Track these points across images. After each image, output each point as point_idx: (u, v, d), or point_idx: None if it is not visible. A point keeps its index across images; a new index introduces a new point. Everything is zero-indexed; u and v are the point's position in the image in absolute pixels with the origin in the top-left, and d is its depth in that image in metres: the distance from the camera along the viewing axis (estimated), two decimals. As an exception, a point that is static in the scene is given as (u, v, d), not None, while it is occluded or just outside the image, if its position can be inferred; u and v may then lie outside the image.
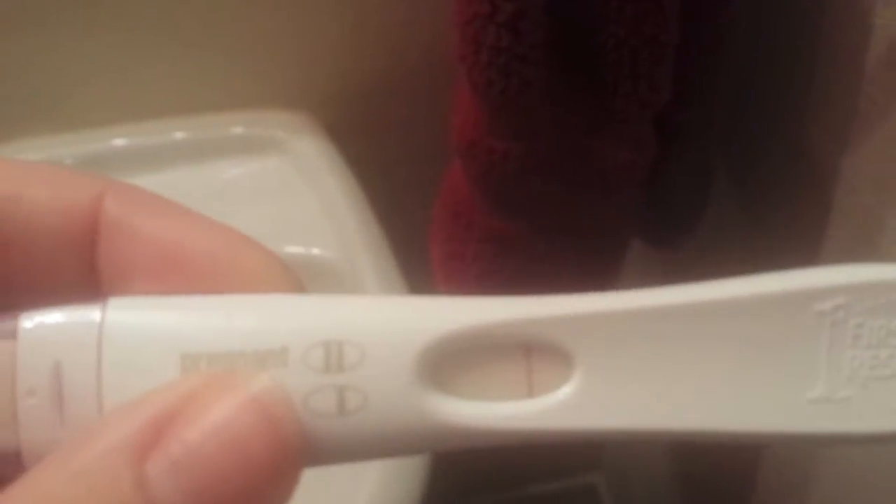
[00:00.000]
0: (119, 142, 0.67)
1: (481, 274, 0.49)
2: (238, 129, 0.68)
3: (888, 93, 0.41)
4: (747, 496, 0.67)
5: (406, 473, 0.46)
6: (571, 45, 0.41)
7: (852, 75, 0.44)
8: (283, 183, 0.67)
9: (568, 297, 0.16)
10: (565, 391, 0.16)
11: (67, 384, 0.15)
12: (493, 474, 1.07)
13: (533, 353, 0.16)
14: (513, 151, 0.43)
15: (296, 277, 0.16)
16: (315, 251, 0.62)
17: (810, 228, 0.50)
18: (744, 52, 0.52)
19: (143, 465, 0.13)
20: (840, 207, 0.47)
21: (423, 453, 0.15)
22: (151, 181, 0.65)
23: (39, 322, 0.15)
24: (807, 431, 0.15)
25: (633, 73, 0.42)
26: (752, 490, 0.67)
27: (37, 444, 0.15)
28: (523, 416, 0.16)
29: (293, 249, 0.62)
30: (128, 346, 0.15)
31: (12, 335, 0.15)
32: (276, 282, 0.16)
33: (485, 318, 0.16)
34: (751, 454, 0.65)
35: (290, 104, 0.68)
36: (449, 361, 0.16)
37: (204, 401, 0.14)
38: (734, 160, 0.58)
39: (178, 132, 0.68)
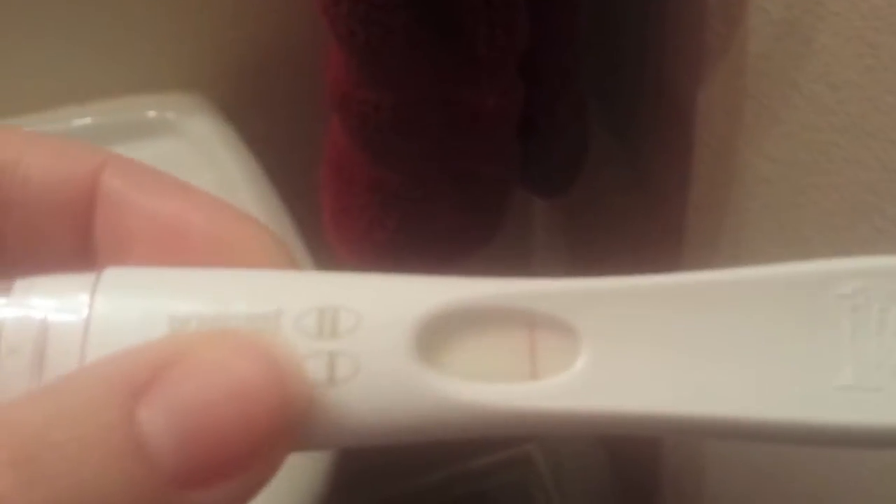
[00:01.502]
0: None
1: (369, 226, 0.50)
2: (130, 114, 0.68)
3: (729, 23, 0.44)
4: (661, 454, 0.70)
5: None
6: (430, -7, 0.43)
7: (697, 9, 0.46)
8: (180, 164, 0.67)
9: (574, 278, 0.15)
10: (570, 372, 0.15)
11: (52, 346, 0.14)
12: (430, 452, 1.08)
13: (537, 332, 0.15)
14: (384, 101, 0.45)
15: (293, 256, 0.16)
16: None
17: (677, 163, 0.53)
18: None
19: (135, 405, 0.12)
20: (700, 139, 0.50)
21: (416, 439, 0.15)
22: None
23: (32, 285, 0.15)
24: (837, 422, 0.14)
25: (489, 19, 0.44)
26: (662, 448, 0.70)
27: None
28: (525, 396, 0.14)
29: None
30: (116, 311, 0.14)
31: (4, 299, 0.14)
32: (273, 258, 0.15)
33: (487, 290, 0.15)
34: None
35: (180, 85, 0.69)
36: (449, 338, 0.15)
37: (204, 350, 0.13)
38: (607, 104, 0.61)
39: (71, 121, 0.68)
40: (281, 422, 0.13)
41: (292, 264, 0.16)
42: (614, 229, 0.68)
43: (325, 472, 0.47)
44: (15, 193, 0.16)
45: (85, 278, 0.15)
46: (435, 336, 0.15)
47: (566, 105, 0.54)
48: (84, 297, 0.14)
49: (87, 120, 0.68)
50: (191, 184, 0.16)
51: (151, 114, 0.68)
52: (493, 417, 0.14)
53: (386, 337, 0.14)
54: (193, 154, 0.67)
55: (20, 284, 0.15)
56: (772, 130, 0.43)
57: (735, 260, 0.49)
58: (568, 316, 0.15)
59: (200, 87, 0.68)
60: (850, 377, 0.14)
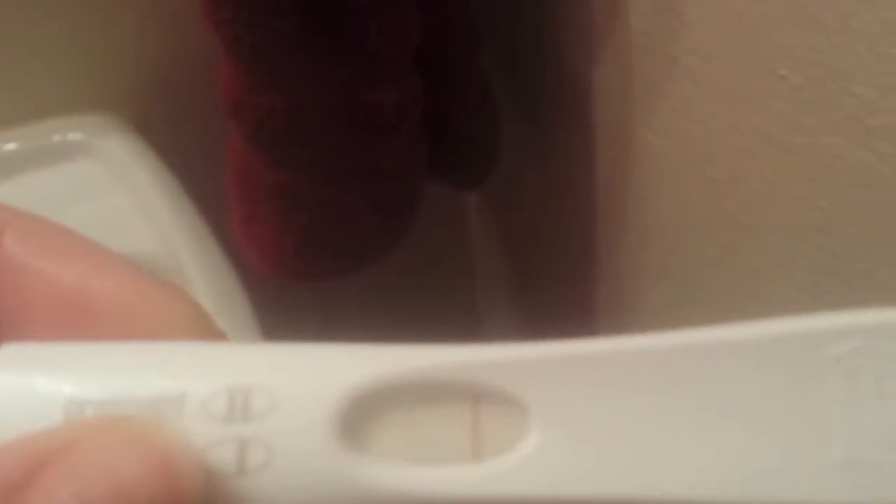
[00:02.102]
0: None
1: (277, 231, 0.50)
2: (42, 139, 0.68)
3: (613, 2, 0.45)
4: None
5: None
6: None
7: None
8: (95, 185, 0.67)
9: (522, 344, 0.14)
10: (518, 453, 0.13)
11: None
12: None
13: (481, 408, 0.13)
14: (277, 105, 0.45)
15: (211, 326, 0.15)
16: (136, 249, 0.63)
17: (581, 146, 0.54)
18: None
19: None
20: (600, 122, 0.51)
21: None
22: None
23: None
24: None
25: (378, 16, 0.44)
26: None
27: None
28: (468, 482, 0.13)
29: (114, 250, 0.62)
30: (9, 394, 0.13)
31: None
32: (185, 329, 0.14)
33: (422, 361, 0.13)
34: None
35: (90, 106, 0.68)
36: (380, 416, 0.13)
37: (89, 445, 0.12)
38: (516, 94, 0.62)
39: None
40: None
41: (208, 333, 0.15)
42: (536, 213, 0.69)
43: None
44: None
45: None
46: (362, 415, 0.13)
47: (470, 96, 0.54)
48: None
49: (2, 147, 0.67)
50: (101, 246, 0.15)
51: (63, 137, 0.67)
52: None
53: (303, 419, 0.13)
54: (108, 174, 0.66)
55: None
56: (658, 106, 0.44)
57: (641, 233, 0.50)
58: (515, 388, 0.13)
59: (110, 107, 0.68)
60: (845, 452, 0.13)
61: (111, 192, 0.66)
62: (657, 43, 0.42)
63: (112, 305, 0.14)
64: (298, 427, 0.13)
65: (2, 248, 0.15)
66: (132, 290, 0.15)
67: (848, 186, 0.32)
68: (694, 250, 0.45)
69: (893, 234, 0.31)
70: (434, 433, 0.13)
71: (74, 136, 0.67)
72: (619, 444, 0.13)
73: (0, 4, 0.61)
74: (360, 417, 0.13)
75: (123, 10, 0.64)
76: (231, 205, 0.52)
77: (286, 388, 0.13)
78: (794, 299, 0.36)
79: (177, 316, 0.15)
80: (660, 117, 0.44)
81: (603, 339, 0.13)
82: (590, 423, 0.13)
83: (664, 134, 0.44)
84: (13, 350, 0.14)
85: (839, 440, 0.13)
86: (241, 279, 0.55)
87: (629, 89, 0.46)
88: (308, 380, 0.13)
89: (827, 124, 0.32)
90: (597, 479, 0.13)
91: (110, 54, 0.66)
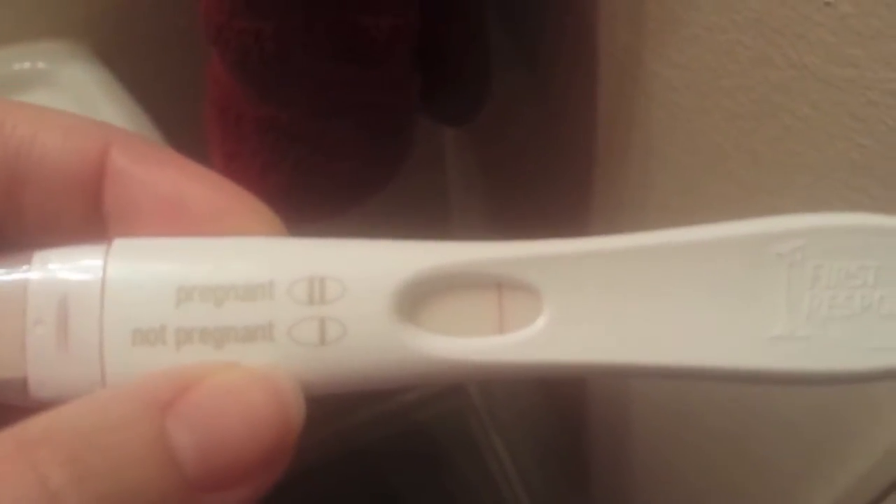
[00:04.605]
0: None
1: (264, 169, 0.47)
2: (2, 67, 0.63)
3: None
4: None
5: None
6: None
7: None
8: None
9: (538, 241, 0.17)
10: (533, 327, 0.17)
11: (73, 314, 0.16)
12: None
13: (504, 293, 0.17)
14: (264, 31, 0.41)
15: (280, 223, 0.18)
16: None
17: (584, 81, 0.51)
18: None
19: (164, 421, 0.15)
20: (605, 52, 0.48)
21: (399, 385, 0.17)
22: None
23: (50, 258, 0.16)
24: (767, 368, 0.16)
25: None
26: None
27: (42, 370, 0.16)
28: (494, 350, 0.17)
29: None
30: (128, 279, 0.16)
31: (25, 270, 0.16)
32: (264, 226, 0.17)
33: (458, 257, 0.17)
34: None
35: (51, 33, 0.64)
36: (425, 299, 0.17)
37: (220, 375, 0.16)
38: (511, 23, 0.58)
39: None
40: (283, 442, 0.15)
41: (279, 230, 0.18)
42: (525, 152, 0.66)
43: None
44: (31, 170, 0.17)
45: (97, 249, 0.16)
46: (413, 297, 0.17)
47: (464, 26, 0.51)
48: (98, 268, 0.16)
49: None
50: (188, 159, 0.18)
51: (24, 65, 0.63)
52: (465, 369, 0.17)
53: (368, 302, 0.16)
54: (72, 104, 0.62)
55: (38, 257, 0.16)
56: (675, 35, 0.41)
57: (645, 173, 0.48)
58: (532, 278, 0.17)
59: (73, 34, 0.63)
60: (783, 328, 0.16)
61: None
62: (677, -33, 0.39)
63: (205, 206, 0.17)
64: (364, 308, 0.16)
65: (110, 159, 0.17)
66: (221, 193, 0.17)
67: None
68: (708, 190, 0.43)
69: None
70: (468, 312, 0.17)
71: (36, 63, 0.63)
72: (611, 321, 0.16)
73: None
74: (410, 300, 0.17)
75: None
76: (211, 140, 0.49)
77: (353, 278, 0.16)
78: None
79: (257, 216, 0.17)
80: (676, 48, 0.41)
81: (600, 237, 0.17)
82: (588, 304, 0.16)
83: (680, 66, 0.41)
84: (126, 243, 0.16)
85: (780, 319, 0.16)
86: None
87: (641, 17, 0.43)
88: (370, 270, 0.16)
89: (879, 57, 0.29)
90: (589, 348, 0.16)
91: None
